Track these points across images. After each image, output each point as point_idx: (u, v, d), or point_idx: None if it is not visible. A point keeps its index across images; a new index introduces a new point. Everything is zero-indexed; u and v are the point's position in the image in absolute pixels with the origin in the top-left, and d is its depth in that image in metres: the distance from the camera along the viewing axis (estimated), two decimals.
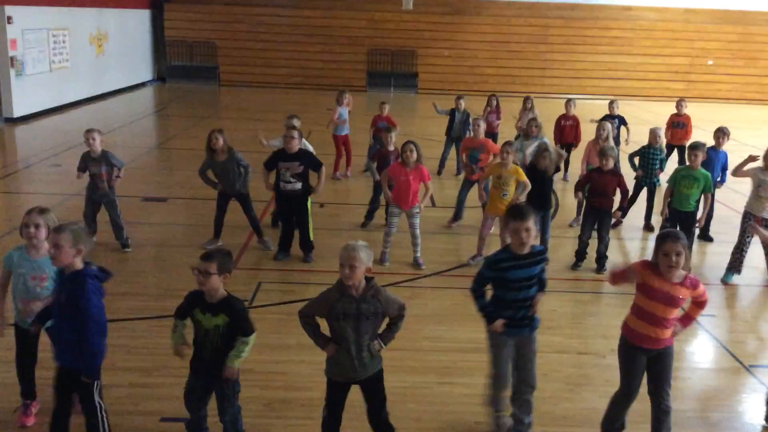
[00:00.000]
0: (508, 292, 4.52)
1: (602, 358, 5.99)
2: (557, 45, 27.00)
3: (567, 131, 12.07)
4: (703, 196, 7.87)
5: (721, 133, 9.17)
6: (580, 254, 8.18)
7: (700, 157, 7.93)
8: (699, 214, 7.96)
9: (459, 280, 7.70)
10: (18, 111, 16.92)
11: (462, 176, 10.67)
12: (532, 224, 4.39)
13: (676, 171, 8.18)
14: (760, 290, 7.82)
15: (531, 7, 27.50)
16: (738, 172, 7.92)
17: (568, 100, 12.48)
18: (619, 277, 4.57)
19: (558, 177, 10.35)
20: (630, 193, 8.75)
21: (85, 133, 8.07)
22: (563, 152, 8.69)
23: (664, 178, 9.14)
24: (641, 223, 9.90)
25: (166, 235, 8.95)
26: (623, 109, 13.78)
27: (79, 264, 4.04)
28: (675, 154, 12.10)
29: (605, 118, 11.79)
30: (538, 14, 27.32)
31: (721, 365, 6.07)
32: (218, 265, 4.15)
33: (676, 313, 4.38)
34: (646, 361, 4.46)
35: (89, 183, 8.19)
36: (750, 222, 7.43)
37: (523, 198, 7.69)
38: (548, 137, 10.24)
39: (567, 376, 5.69)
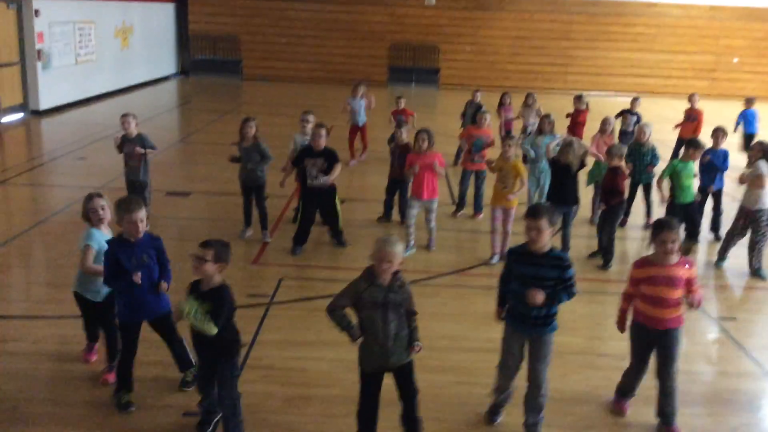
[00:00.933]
0: (518, 286, 4.61)
1: (622, 360, 5.97)
2: (580, 41, 26.81)
3: (578, 129, 12.43)
4: (714, 194, 8.52)
5: (720, 133, 9.17)
6: (607, 252, 8.25)
7: (699, 152, 8.44)
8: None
9: (478, 278, 7.73)
10: (44, 103, 17.17)
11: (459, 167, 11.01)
12: (544, 225, 4.45)
13: (673, 165, 8.42)
14: None
15: (554, 3, 27.31)
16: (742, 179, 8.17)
17: (578, 97, 12.99)
18: (623, 313, 5.07)
19: None
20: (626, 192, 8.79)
21: (121, 117, 8.79)
22: (588, 147, 8.91)
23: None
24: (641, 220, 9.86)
25: (188, 229, 9.06)
26: (646, 106, 13.79)
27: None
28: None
29: (623, 112, 12.37)
30: (561, 10, 27.13)
31: (741, 370, 6.04)
32: (215, 253, 4.38)
33: (679, 293, 4.75)
34: (653, 340, 4.85)
35: (125, 167, 8.92)
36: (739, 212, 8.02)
37: (517, 191, 7.94)
38: (561, 133, 10.44)
39: (586, 378, 5.70)
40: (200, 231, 8.88)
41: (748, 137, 13.77)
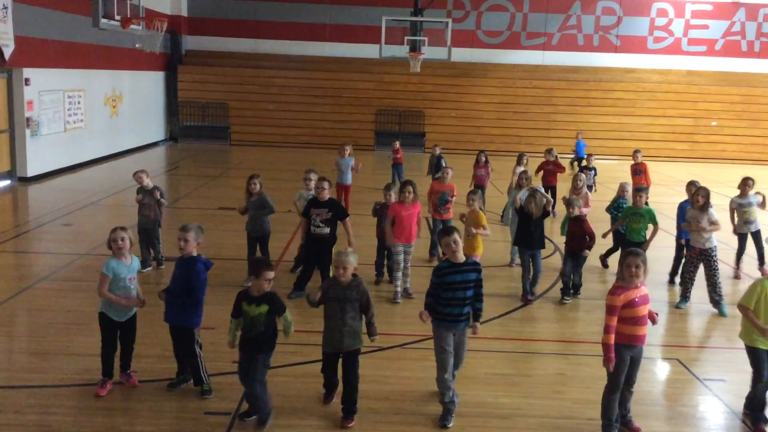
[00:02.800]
0: (450, 293, 5.73)
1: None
2: (561, 106, 27.47)
3: (548, 174, 14.48)
4: (651, 227, 9.38)
5: (693, 187, 9.75)
6: (565, 288, 9.19)
7: (644, 198, 9.56)
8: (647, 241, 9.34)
9: None
10: (32, 170, 17.25)
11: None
12: (457, 237, 5.77)
13: (626, 209, 9.84)
14: None
15: (535, 70, 28.10)
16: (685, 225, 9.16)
17: (549, 150, 14.91)
18: (610, 335, 5.48)
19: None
20: (600, 237, 9.77)
21: (134, 174, 9.89)
22: (550, 198, 10.08)
23: None
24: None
25: None
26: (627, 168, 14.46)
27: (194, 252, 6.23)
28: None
29: (581, 169, 14.52)
30: (543, 76, 27.89)
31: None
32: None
33: (647, 309, 5.54)
34: (629, 357, 5.54)
35: (139, 215, 9.77)
36: (691, 252, 8.92)
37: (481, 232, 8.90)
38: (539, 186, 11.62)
39: None
40: None
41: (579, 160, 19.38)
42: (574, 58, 28.43)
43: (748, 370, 7.27)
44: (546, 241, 9.86)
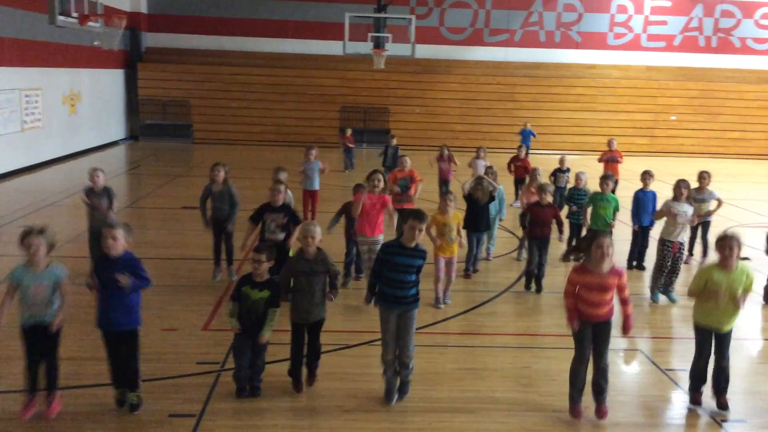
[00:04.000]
0: (392, 273, 5.93)
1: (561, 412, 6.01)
2: (524, 102, 27.71)
3: (519, 170, 14.96)
4: (642, 229, 9.94)
5: (647, 176, 10.42)
6: (530, 275, 9.40)
7: (610, 185, 10.08)
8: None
9: (432, 337, 7.72)
10: None
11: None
12: (424, 228, 5.94)
13: (593, 195, 10.17)
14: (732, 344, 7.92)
15: (498, 66, 28.31)
16: (656, 215, 9.53)
17: (520, 146, 15.77)
18: (570, 300, 5.78)
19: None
20: (567, 228, 10.29)
21: (91, 170, 9.11)
22: (496, 184, 10.40)
23: None
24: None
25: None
26: (588, 164, 14.60)
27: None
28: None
29: (556, 171, 14.02)
30: (506, 73, 28.10)
31: (693, 420, 6.11)
32: (268, 254, 6.02)
33: (610, 296, 5.70)
34: (591, 331, 5.74)
35: (90, 218, 9.07)
36: (667, 247, 8.89)
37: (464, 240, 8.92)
38: (502, 184, 11.38)
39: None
40: (150, 298, 8.65)
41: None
42: (536, 55, 28.70)
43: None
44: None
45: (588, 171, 12.52)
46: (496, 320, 8.44)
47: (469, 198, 9.69)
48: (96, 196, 9.02)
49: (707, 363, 6.13)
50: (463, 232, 8.91)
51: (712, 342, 6.06)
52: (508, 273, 10.30)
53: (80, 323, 7.70)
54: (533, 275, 9.39)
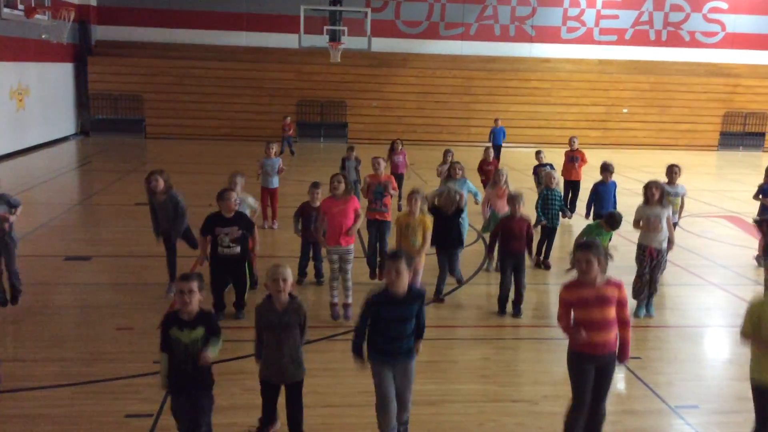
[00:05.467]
0: (384, 328, 4.88)
1: (535, 404, 6.08)
2: (480, 95, 27.90)
3: (490, 174, 12.36)
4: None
5: (605, 170, 10.25)
6: (504, 300, 8.28)
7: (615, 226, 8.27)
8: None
9: None
10: None
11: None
12: (403, 267, 4.75)
13: (589, 228, 8.41)
14: (681, 331, 8.12)
15: (454, 60, 28.44)
16: (634, 224, 8.32)
17: (487, 148, 13.94)
18: (565, 320, 4.86)
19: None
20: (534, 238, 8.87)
21: None
22: (462, 192, 8.82)
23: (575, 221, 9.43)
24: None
25: (90, 295, 8.61)
26: (549, 157, 14.45)
27: None
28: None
29: (538, 167, 12.96)
30: (462, 66, 28.25)
31: (647, 407, 6.24)
32: (199, 283, 4.61)
33: (613, 314, 4.73)
34: (593, 371, 4.79)
35: None
36: (645, 254, 8.12)
37: (421, 247, 7.88)
38: (470, 180, 10.39)
39: (502, 425, 5.74)
40: (104, 296, 8.53)
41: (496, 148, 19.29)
42: (491, 48, 28.91)
43: (662, 347, 7.63)
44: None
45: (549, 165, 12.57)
46: (456, 313, 8.47)
47: (435, 211, 8.42)
48: None
49: None
50: (426, 243, 7.96)
51: None
52: (470, 268, 10.22)
53: (32, 324, 7.52)
54: (507, 297, 8.29)
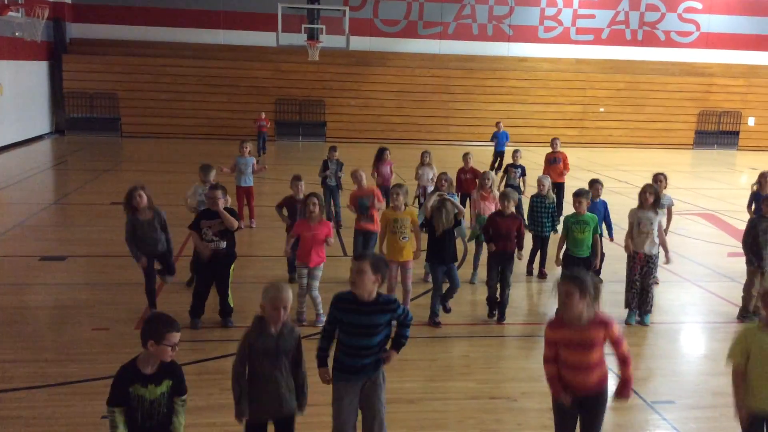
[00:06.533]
0: (348, 338, 4.40)
1: (514, 401, 6.11)
2: (458, 94, 27.98)
3: (467, 184, 12.23)
4: (592, 239, 8.10)
5: (597, 184, 9.37)
6: (492, 301, 8.12)
7: (584, 203, 8.16)
8: (593, 258, 8.17)
9: None
10: None
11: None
12: (367, 268, 4.28)
13: (566, 218, 8.32)
14: (657, 327, 8.20)
15: (433, 59, 28.50)
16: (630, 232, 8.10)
17: (466, 154, 12.57)
18: (552, 366, 4.45)
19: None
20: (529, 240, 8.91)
21: None
22: (462, 208, 8.26)
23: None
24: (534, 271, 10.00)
25: (65, 295, 8.51)
26: (524, 155, 14.36)
27: None
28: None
29: (508, 167, 12.44)
30: (440, 65, 28.31)
31: (625, 403, 6.29)
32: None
33: (598, 355, 4.34)
34: (578, 411, 4.44)
35: None
36: (634, 259, 7.98)
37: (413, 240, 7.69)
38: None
39: (481, 422, 5.77)
40: (79, 297, 8.43)
41: (499, 154, 18.66)
42: (469, 48, 29.01)
43: (638, 343, 7.70)
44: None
45: (529, 167, 12.24)
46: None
47: (429, 223, 7.84)
48: None
49: None
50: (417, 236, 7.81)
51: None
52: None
53: (7, 325, 7.42)
54: (495, 297, 8.06)
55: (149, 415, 3.92)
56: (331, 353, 4.58)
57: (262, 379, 4.25)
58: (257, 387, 4.28)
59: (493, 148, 19.72)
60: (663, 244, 8.10)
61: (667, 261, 8.20)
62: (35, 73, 24.64)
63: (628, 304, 8.19)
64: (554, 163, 13.19)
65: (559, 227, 8.64)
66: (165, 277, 8.08)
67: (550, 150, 13.61)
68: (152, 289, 7.75)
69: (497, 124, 20.17)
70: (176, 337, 3.87)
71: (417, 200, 12.18)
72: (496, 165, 18.86)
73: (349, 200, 9.46)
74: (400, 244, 7.68)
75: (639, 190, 8.17)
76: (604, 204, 9.38)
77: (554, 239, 10.07)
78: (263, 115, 22.55)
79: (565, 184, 13.16)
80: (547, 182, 9.85)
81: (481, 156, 13.07)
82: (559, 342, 4.34)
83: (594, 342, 4.28)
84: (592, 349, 4.29)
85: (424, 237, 8.06)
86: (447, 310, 8.04)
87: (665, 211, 9.23)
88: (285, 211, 9.04)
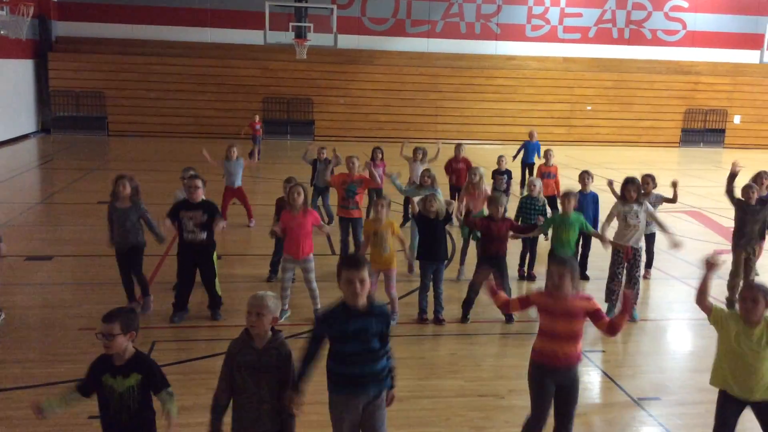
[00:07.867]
0: (345, 347, 4.11)
1: (501, 399, 6.13)
2: (447, 93, 28.02)
3: (460, 174, 12.31)
4: (582, 236, 8.09)
5: (586, 175, 9.51)
6: (469, 304, 7.96)
7: (572, 202, 8.18)
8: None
9: None
10: None
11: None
12: (366, 275, 4.07)
13: (552, 219, 8.46)
14: (643, 324, 8.25)
15: (421, 57, 28.52)
16: (607, 223, 8.19)
17: (458, 145, 12.78)
18: (516, 304, 4.87)
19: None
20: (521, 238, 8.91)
21: None
22: (451, 201, 8.35)
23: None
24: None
25: (51, 295, 8.47)
26: (511, 153, 14.42)
27: None
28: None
29: (494, 173, 12.05)
30: (428, 64, 28.34)
31: (611, 400, 6.34)
32: (121, 324, 3.95)
33: (579, 327, 4.57)
34: (554, 386, 4.59)
35: None
36: (620, 253, 7.97)
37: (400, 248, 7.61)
38: (439, 184, 9.97)
39: (469, 420, 5.78)
40: (66, 297, 8.39)
41: (528, 166, 16.27)
42: (457, 46, 29.05)
43: (625, 340, 7.75)
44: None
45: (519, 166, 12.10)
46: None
47: (420, 218, 7.83)
48: None
49: None
50: (406, 243, 7.75)
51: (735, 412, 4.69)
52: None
53: None
54: (472, 304, 7.94)
55: (120, 409, 3.97)
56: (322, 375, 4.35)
57: (242, 394, 4.05)
58: (237, 402, 4.11)
59: (519, 160, 16.58)
60: (663, 226, 8.17)
61: (675, 245, 8.03)
62: (21, 72, 24.47)
63: (608, 298, 8.19)
64: (547, 177, 12.55)
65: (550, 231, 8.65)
66: (141, 310, 7.95)
67: (543, 161, 13.00)
68: (127, 285, 7.86)
69: (530, 134, 17.16)
70: (104, 327, 3.91)
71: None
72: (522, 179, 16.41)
73: (334, 179, 9.51)
74: (382, 256, 7.61)
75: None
76: (594, 197, 9.45)
77: (544, 245, 10.20)
78: (257, 119, 21.19)
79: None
80: (539, 184, 9.76)
81: (469, 154, 13.06)
82: (540, 305, 4.64)
83: (577, 312, 4.54)
84: (574, 318, 4.54)
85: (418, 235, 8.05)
86: (440, 321, 7.88)
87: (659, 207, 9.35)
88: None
